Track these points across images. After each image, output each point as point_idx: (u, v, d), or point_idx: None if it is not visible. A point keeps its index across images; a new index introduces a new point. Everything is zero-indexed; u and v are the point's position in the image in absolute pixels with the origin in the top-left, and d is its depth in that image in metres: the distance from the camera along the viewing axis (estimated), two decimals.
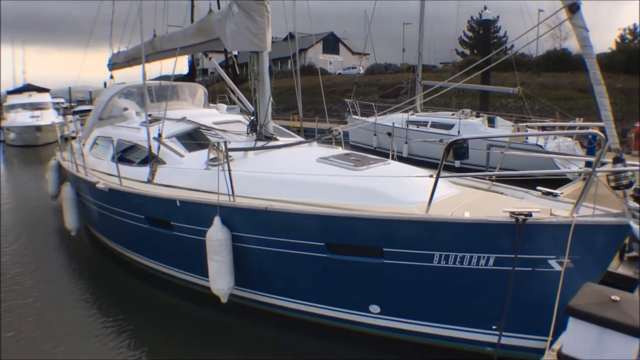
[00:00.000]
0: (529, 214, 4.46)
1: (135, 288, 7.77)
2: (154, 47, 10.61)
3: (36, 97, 31.18)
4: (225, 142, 5.88)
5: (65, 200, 9.37)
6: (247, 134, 8.03)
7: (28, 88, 33.56)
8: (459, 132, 16.85)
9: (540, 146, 14.77)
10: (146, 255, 7.79)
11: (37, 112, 28.55)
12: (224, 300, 5.96)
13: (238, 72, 11.91)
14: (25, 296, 7.28)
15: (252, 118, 8.09)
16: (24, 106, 29.46)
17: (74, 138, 12.73)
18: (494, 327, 5.16)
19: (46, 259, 9.03)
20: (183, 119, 8.44)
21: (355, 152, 7.18)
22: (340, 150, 7.65)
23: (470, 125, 17.34)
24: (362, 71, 47.48)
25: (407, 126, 18.60)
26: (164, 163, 7.49)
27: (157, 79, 13.84)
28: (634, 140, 16.87)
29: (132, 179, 7.61)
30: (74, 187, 9.36)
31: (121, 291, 7.68)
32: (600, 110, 4.60)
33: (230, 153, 6.35)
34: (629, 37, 40.31)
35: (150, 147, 7.49)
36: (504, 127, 18.15)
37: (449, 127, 17.82)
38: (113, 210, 7.83)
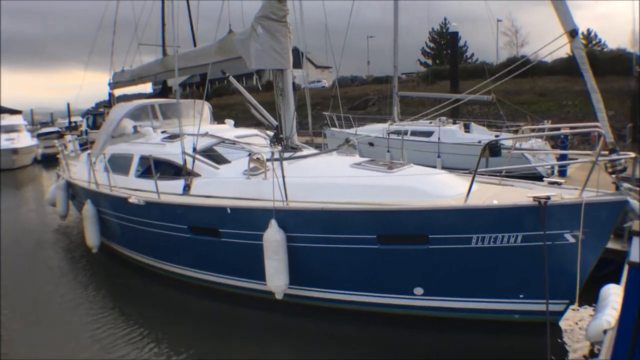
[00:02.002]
0: (549, 197, 5.36)
1: (177, 299, 8.06)
2: (165, 65, 11.14)
3: (9, 120, 30.59)
4: (280, 152, 6.52)
5: (86, 218, 9.66)
6: (271, 145, 8.66)
7: (0, 110, 32.82)
8: (439, 138, 17.89)
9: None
10: (188, 265, 8.18)
11: (12, 135, 28.04)
12: (279, 297, 6.52)
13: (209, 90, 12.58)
14: (77, 327, 7.01)
15: (274, 131, 8.74)
16: None
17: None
18: (521, 296, 6.03)
19: (78, 280, 9.10)
20: (206, 134, 8.99)
21: (380, 159, 7.99)
22: (361, 158, 8.35)
23: (449, 132, 18.46)
24: (327, 84, 48.60)
25: (389, 136, 19.50)
26: (199, 175, 8.02)
27: (120, 98, 14.38)
28: None
29: (162, 192, 8.07)
30: (94, 204, 9.69)
31: (164, 304, 7.91)
32: (597, 113, 5.71)
33: (267, 163, 7.03)
34: (584, 41, 43.04)
35: (185, 161, 8.01)
36: (478, 132, 19.39)
37: (429, 134, 18.86)
38: (149, 224, 8.25)
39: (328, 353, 6.15)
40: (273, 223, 6.31)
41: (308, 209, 6.30)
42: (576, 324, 6.49)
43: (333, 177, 6.73)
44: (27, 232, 13.19)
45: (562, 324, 6.41)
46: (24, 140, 28.37)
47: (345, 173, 6.99)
